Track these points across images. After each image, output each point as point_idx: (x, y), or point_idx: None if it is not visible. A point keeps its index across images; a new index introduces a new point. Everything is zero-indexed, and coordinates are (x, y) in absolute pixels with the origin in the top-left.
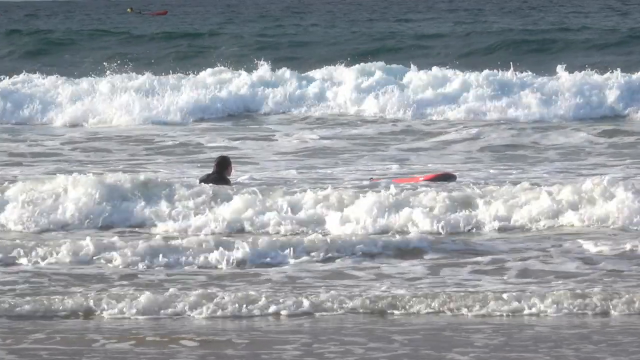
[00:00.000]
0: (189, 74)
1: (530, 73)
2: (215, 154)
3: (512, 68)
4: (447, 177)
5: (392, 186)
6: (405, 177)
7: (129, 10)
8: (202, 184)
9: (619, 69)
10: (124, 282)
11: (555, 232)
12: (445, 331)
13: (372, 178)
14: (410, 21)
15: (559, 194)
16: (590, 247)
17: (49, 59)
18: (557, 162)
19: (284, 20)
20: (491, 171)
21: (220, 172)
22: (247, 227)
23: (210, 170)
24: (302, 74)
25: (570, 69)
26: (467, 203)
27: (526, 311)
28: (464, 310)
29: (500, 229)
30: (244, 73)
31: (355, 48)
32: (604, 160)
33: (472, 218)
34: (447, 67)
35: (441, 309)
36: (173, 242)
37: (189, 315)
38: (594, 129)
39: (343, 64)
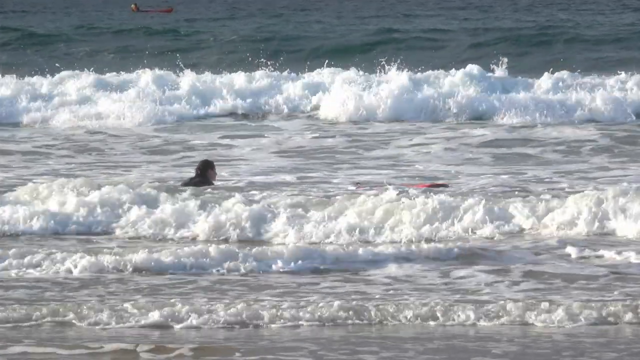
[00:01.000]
0: (183, 71)
1: (519, 75)
2: (210, 153)
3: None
4: (439, 187)
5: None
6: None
7: (132, 7)
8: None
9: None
10: (120, 288)
11: (560, 238)
12: (459, 339)
13: (357, 184)
14: (418, 17)
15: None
16: (597, 253)
17: (28, 56)
18: (550, 165)
19: (288, 16)
20: (484, 177)
21: (202, 175)
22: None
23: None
24: (302, 73)
25: (575, 66)
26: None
27: (542, 320)
28: (477, 318)
29: (500, 235)
30: (241, 72)
31: (356, 40)
32: (598, 164)
33: (468, 224)
34: (446, 64)
35: (453, 317)
36: (171, 248)
37: (193, 324)
38: (592, 131)
39: (345, 62)
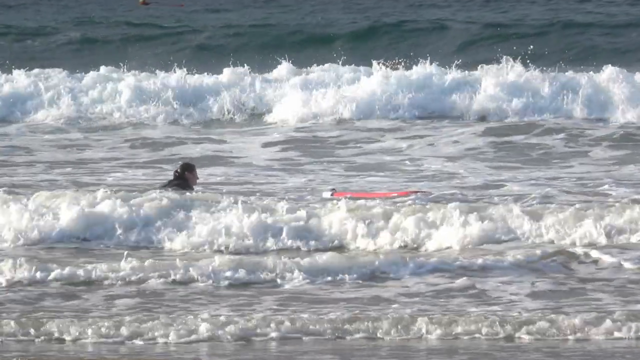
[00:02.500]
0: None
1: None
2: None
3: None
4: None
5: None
6: (375, 192)
7: (140, 1)
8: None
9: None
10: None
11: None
12: (488, 350)
13: (334, 189)
14: (428, 6)
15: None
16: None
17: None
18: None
19: (292, 6)
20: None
21: (181, 179)
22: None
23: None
24: (300, 69)
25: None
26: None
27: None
28: (502, 332)
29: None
30: (238, 68)
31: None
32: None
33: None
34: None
35: (477, 330)
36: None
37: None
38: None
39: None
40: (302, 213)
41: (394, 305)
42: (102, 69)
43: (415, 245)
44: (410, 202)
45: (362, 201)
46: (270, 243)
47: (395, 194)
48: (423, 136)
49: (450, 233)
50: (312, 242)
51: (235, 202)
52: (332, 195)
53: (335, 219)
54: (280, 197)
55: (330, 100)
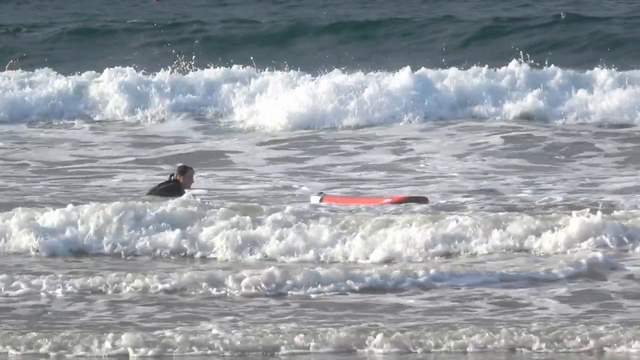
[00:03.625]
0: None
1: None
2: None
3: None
4: (416, 201)
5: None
6: (367, 197)
7: None
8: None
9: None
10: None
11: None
12: None
13: (322, 194)
14: (443, 1)
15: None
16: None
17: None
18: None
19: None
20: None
21: (175, 181)
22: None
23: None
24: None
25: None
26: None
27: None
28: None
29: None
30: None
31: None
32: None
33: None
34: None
35: (500, 341)
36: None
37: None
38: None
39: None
40: (285, 218)
41: (415, 315)
42: (99, 66)
43: (417, 256)
44: (406, 210)
45: (351, 207)
46: (250, 251)
47: (388, 201)
48: (424, 138)
49: (450, 240)
50: (304, 253)
51: (214, 208)
52: (321, 200)
53: (321, 229)
54: (266, 202)
55: (330, 100)
